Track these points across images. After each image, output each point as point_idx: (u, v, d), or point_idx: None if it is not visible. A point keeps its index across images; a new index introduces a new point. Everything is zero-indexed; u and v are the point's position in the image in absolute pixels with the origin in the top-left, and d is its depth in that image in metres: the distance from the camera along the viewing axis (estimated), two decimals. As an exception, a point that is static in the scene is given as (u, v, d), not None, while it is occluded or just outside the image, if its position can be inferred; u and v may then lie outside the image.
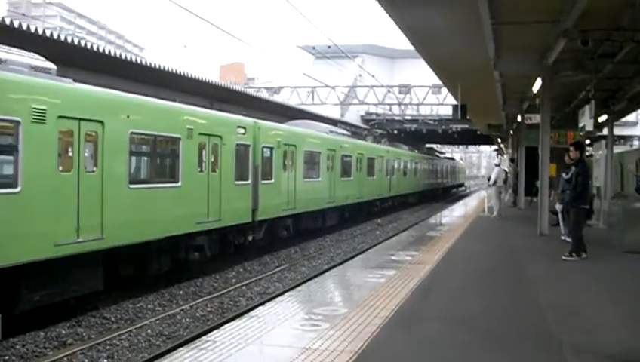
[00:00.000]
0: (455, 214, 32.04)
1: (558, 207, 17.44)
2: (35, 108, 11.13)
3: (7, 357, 10.27)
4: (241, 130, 19.21)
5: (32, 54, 12.34)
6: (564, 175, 15.37)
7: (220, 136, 17.66)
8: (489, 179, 28.54)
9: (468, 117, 32.98)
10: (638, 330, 8.30)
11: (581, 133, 25.49)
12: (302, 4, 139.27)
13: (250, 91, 40.84)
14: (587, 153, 26.13)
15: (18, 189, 10.83)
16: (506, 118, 37.44)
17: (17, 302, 11.17)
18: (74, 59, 18.33)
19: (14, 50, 11.95)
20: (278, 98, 48.04)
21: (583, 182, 14.36)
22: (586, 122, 20.60)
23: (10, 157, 10.93)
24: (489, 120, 43.17)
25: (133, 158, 14.50)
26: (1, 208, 10.60)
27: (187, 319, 13.08)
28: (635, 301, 10.26)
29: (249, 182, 19.59)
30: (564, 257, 14.10)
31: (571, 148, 15.08)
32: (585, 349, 7.32)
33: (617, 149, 33.68)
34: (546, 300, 10.12)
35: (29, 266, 11.04)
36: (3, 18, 16.04)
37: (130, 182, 13.91)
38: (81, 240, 12.12)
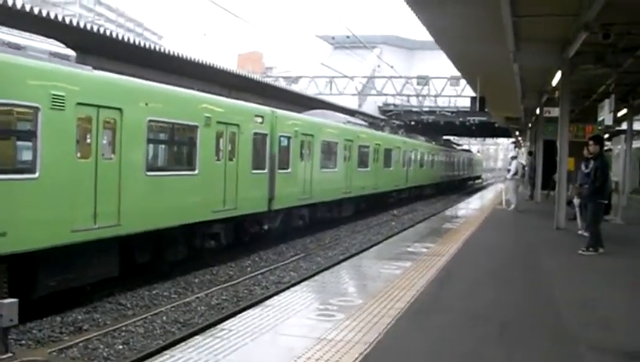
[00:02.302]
0: (471, 207, 31.88)
1: (576, 201, 17.36)
2: (54, 95, 11.16)
3: (23, 342, 10.35)
4: (259, 119, 19.21)
5: (51, 41, 12.36)
6: (583, 168, 15.29)
7: (237, 125, 17.68)
8: (508, 171, 28.42)
9: (486, 109, 32.80)
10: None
11: (600, 128, 25.32)
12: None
13: (268, 80, 40.82)
14: (606, 147, 25.95)
15: (36, 175, 10.87)
16: (524, 110, 37.22)
17: (34, 287, 11.23)
18: (93, 46, 18.36)
19: (34, 36, 11.97)
20: (296, 88, 47.99)
21: (602, 176, 14.25)
22: (606, 116, 20.48)
23: (29, 143, 10.96)
24: (507, 112, 42.96)
25: (151, 146, 14.53)
26: (19, 193, 10.67)
27: (202, 307, 13.13)
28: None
29: (266, 171, 19.60)
30: (580, 252, 14.03)
31: (591, 142, 14.95)
32: (601, 344, 7.28)
33: (636, 144, 33.41)
34: (562, 294, 10.10)
35: (47, 252, 11.11)
36: (23, 4, 16.08)
37: (148, 170, 13.95)
38: (98, 226, 12.17)
